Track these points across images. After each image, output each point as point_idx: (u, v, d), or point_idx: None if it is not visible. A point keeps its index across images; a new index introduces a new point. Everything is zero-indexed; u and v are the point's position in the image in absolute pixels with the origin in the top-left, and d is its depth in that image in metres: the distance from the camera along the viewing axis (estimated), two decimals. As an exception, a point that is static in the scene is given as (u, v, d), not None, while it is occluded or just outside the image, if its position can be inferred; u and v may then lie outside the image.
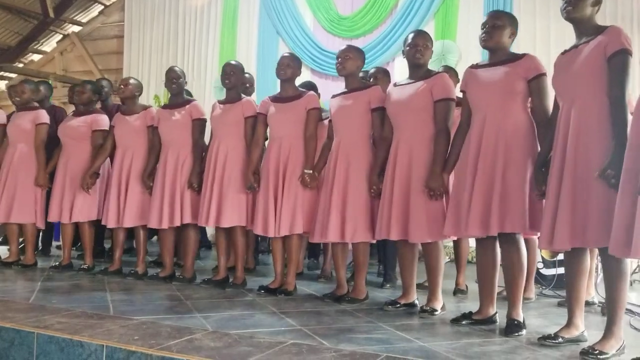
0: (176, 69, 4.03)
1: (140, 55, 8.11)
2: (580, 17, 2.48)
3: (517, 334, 2.65)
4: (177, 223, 3.82)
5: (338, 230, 3.26)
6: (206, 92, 7.49)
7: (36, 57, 9.37)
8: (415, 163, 3.03)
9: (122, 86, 4.17)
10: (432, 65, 6.21)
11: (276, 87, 6.68)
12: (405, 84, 3.16)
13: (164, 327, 2.62)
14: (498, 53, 2.81)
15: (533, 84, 2.71)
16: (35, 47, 9.08)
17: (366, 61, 6.38)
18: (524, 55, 2.79)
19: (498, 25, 2.78)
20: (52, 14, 7.91)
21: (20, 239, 4.73)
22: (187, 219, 3.82)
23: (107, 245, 5.17)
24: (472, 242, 4.69)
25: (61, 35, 9.13)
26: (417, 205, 2.98)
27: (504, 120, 2.71)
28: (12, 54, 8.25)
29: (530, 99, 2.76)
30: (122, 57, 8.30)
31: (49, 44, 9.26)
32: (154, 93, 7.66)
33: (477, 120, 2.81)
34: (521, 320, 2.72)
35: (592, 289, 3.36)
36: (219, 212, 3.64)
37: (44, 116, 4.49)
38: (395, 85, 3.25)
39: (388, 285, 3.92)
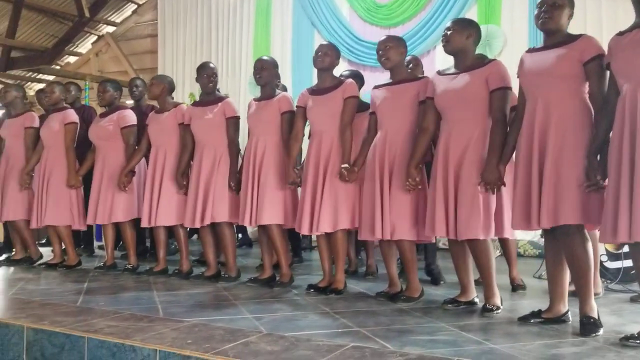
0: (211, 65, 3.91)
1: (175, 53, 8.05)
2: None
3: (594, 334, 2.45)
4: (208, 221, 3.72)
5: (383, 227, 3.10)
6: (241, 90, 7.40)
7: (72, 59, 9.44)
8: (468, 157, 2.85)
9: (149, 84, 4.12)
10: (478, 50, 6.02)
11: (312, 82, 6.59)
12: (455, 74, 2.95)
13: (217, 330, 2.50)
14: (555, 35, 2.61)
15: (590, 67, 2.49)
16: (70, 49, 9.12)
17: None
18: (579, 36, 2.58)
19: (558, 4, 2.58)
20: (87, 14, 7.93)
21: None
22: (221, 217, 3.71)
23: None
24: (519, 235, 4.49)
25: (96, 37, 9.16)
26: (466, 200, 2.81)
27: (556, 107, 2.53)
28: (48, 56, 8.29)
29: (587, 83, 2.54)
30: (156, 56, 8.26)
31: (84, 46, 9.31)
32: (189, 91, 7.60)
33: (529, 108, 2.63)
34: (596, 317, 2.52)
35: None
36: (258, 210, 3.53)
37: (72, 116, 4.45)
38: (439, 74, 3.04)
39: (442, 282, 3.74)
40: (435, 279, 3.77)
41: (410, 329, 2.57)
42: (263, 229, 3.67)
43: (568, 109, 2.53)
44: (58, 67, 9.07)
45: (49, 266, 4.45)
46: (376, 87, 3.37)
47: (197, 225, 3.75)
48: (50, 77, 9.02)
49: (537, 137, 2.56)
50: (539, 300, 3.21)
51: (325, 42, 3.71)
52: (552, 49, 2.59)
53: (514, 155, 2.78)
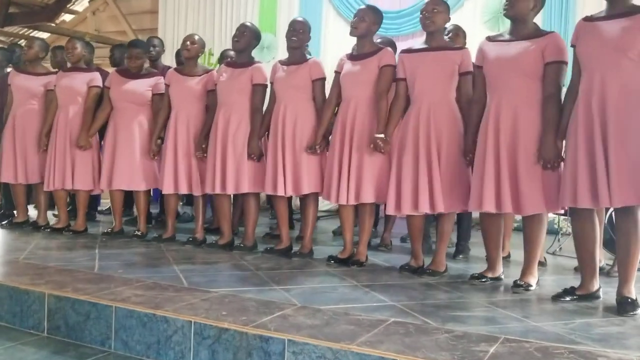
0: (247, 23, 3.73)
1: (176, 14, 7.77)
2: None
3: (632, 313, 2.42)
4: (231, 191, 3.62)
5: (428, 201, 3.02)
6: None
7: (67, 17, 9.12)
8: (523, 129, 2.74)
9: (188, 43, 3.85)
10: (491, 23, 5.80)
11: (320, 51, 6.42)
12: (507, 41, 2.85)
13: (249, 301, 2.43)
14: (617, 3, 2.49)
15: None
16: (67, 6, 8.80)
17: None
18: None
19: None
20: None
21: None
22: (244, 188, 3.59)
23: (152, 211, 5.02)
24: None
25: (93, -6, 8.85)
26: (530, 174, 2.71)
27: (620, 81, 2.41)
28: (49, 13, 7.96)
29: None
30: (156, 17, 7.98)
31: (81, 3, 8.99)
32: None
33: (588, 81, 2.51)
34: (634, 298, 2.49)
35: None
36: (295, 179, 3.42)
37: (98, 79, 4.27)
38: (490, 40, 2.94)
39: (461, 256, 3.70)
40: (457, 252, 3.72)
41: (445, 304, 2.53)
42: (282, 200, 3.56)
43: (629, 83, 2.41)
44: (53, 25, 8.76)
45: (54, 230, 4.33)
46: (406, 52, 3.23)
47: (218, 191, 3.62)
48: (46, 35, 8.73)
49: (596, 110, 2.45)
50: (560, 277, 3.22)
51: (362, 7, 3.53)
52: (618, 18, 2.46)
53: None
